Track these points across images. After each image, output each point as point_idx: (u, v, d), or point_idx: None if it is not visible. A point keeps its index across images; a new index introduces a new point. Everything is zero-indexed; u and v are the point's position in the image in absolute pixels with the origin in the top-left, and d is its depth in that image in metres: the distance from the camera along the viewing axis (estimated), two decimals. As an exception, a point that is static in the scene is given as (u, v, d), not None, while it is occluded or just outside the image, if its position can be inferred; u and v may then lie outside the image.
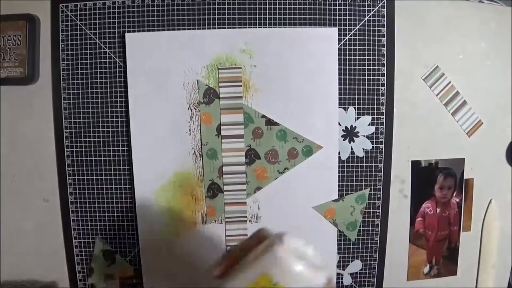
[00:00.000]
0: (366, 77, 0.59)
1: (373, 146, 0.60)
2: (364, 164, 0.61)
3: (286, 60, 0.58)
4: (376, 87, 0.59)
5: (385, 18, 0.59)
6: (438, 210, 0.62)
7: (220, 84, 0.58)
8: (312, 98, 0.58)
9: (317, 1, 0.58)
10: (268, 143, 0.59)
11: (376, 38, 0.59)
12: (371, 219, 0.61)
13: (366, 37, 0.59)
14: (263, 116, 0.59)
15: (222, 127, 0.59)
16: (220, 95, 0.58)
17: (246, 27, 0.57)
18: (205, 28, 0.58)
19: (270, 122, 0.59)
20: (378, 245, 0.62)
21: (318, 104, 0.59)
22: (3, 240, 0.61)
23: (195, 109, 0.58)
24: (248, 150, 0.59)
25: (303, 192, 0.60)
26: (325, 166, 0.60)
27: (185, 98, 0.58)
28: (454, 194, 0.62)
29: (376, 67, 0.59)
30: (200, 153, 0.59)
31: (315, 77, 0.58)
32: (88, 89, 0.59)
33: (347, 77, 0.59)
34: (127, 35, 0.57)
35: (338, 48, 0.58)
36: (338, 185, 0.60)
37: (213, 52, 0.58)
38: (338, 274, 0.62)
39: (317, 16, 0.58)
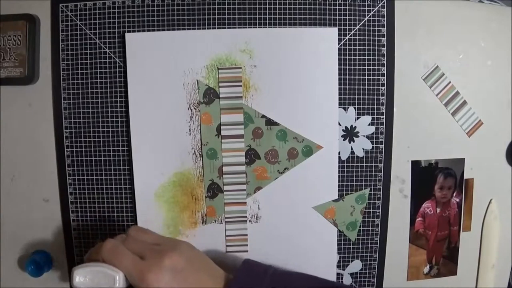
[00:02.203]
0: (366, 77, 0.59)
1: (373, 146, 0.60)
2: (364, 164, 0.61)
3: (286, 60, 0.58)
4: (376, 87, 0.59)
5: (385, 18, 0.59)
6: (438, 210, 0.62)
7: (220, 84, 0.58)
8: (312, 98, 0.58)
9: (317, 1, 0.58)
10: (268, 143, 0.59)
11: (376, 38, 0.59)
12: (371, 219, 0.61)
13: (366, 37, 0.59)
14: (263, 116, 0.59)
15: (222, 127, 0.59)
16: (220, 95, 0.58)
17: (246, 27, 0.57)
18: (205, 28, 0.58)
19: (270, 122, 0.59)
20: (378, 245, 0.62)
21: (318, 104, 0.59)
22: (2, 240, 0.61)
23: (195, 109, 0.58)
24: (248, 150, 0.59)
25: (303, 192, 0.60)
26: (325, 166, 0.60)
27: (185, 98, 0.58)
28: (454, 194, 0.62)
29: (376, 67, 0.59)
30: (200, 153, 0.59)
31: (315, 77, 0.58)
32: (88, 89, 0.59)
33: (347, 77, 0.59)
34: (127, 35, 0.57)
35: (338, 48, 0.58)
36: (338, 185, 0.60)
37: (213, 52, 0.58)
38: (338, 274, 0.62)
39: (317, 16, 0.58)
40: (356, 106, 0.59)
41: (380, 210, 0.61)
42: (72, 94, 0.59)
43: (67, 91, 0.59)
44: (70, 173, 0.60)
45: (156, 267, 0.46)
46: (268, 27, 0.58)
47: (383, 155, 0.60)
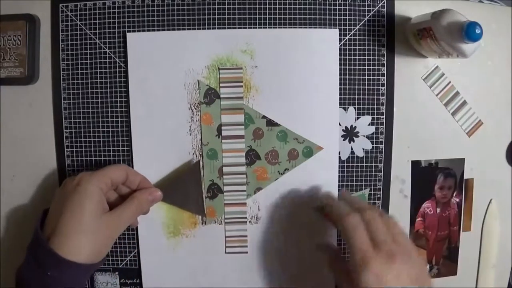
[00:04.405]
0: (366, 77, 0.59)
1: (373, 146, 0.60)
2: (364, 164, 0.61)
3: (287, 61, 0.58)
4: (376, 87, 0.59)
5: (385, 18, 0.59)
6: (438, 210, 0.62)
7: (221, 85, 0.58)
8: (312, 99, 0.58)
9: (317, 1, 0.58)
10: (268, 143, 0.59)
11: (376, 38, 0.59)
12: (371, 219, 0.61)
13: (366, 37, 0.59)
14: (264, 117, 0.58)
15: (222, 128, 0.59)
16: (221, 96, 0.58)
17: (247, 28, 0.57)
18: (205, 29, 0.58)
19: (270, 123, 0.59)
20: (378, 245, 0.62)
21: (318, 105, 0.59)
22: (2, 240, 0.61)
23: (195, 109, 0.58)
24: (248, 150, 0.59)
25: (303, 193, 0.60)
26: (325, 167, 0.60)
27: (186, 98, 0.58)
28: (454, 194, 0.62)
29: (376, 67, 0.59)
30: (201, 153, 0.59)
31: (316, 78, 0.58)
32: (88, 89, 0.59)
33: (347, 77, 0.59)
34: (128, 35, 0.57)
35: (338, 48, 0.58)
36: (338, 185, 0.60)
37: (214, 53, 0.58)
38: (338, 274, 0.62)
39: (317, 16, 0.58)
40: (356, 106, 0.59)
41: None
42: (72, 94, 0.59)
43: (67, 91, 0.59)
44: (70, 173, 0.60)
45: (379, 267, 0.44)
46: (269, 27, 0.58)
47: (383, 155, 0.60)
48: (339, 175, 0.60)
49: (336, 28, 0.58)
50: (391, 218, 0.51)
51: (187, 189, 0.59)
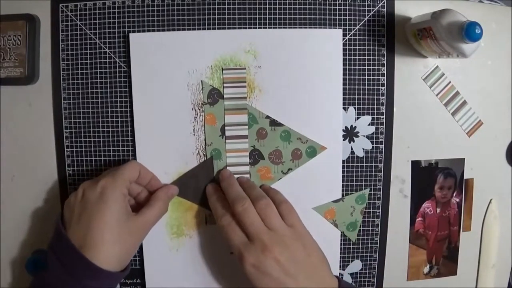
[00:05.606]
0: (366, 77, 0.59)
1: (373, 146, 0.60)
2: (364, 164, 0.61)
3: (291, 61, 0.58)
4: (376, 87, 0.59)
5: (385, 18, 0.59)
6: (438, 210, 0.63)
7: (225, 85, 0.58)
8: (316, 99, 0.58)
9: (317, 1, 0.58)
10: (272, 143, 0.59)
11: (376, 38, 0.59)
12: (371, 219, 0.62)
13: (366, 37, 0.59)
14: (267, 117, 0.58)
15: (226, 128, 0.58)
16: (225, 96, 0.58)
17: (250, 28, 0.57)
18: (205, 29, 0.58)
19: (274, 123, 0.59)
20: (378, 245, 0.62)
21: (322, 105, 0.59)
22: (3, 239, 0.61)
23: (199, 109, 0.58)
24: (252, 150, 0.59)
25: (306, 193, 0.60)
26: (328, 167, 0.60)
27: (189, 98, 0.58)
28: (454, 194, 0.63)
29: (376, 67, 0.59)
30: (204, 153, 0.59)
31: (319, 78, 0.58)
32: (88, 89, 0.58)
33: (347, 77, 0.59)
34: (131, 35, 0.57)
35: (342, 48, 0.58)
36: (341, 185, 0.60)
37: (218, 53, 0.57)
38: (338, 274, 0.62)
39: (317, 17, 0.58)
40: (356, 106, 0.59)
41: (380, 210, 0.61)
42: (72, 94, 0.59)
43: (67, 91, 0.59)
44: (70, 173, 0.60)
45: (255, 258, 0.48)
46: (270, 28, 0.58)
47: (383, 155, 0.61)
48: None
49: (340, 28, 0.58)
50: (284, 205, 0.54)
51: (199, 184, 0.59)
